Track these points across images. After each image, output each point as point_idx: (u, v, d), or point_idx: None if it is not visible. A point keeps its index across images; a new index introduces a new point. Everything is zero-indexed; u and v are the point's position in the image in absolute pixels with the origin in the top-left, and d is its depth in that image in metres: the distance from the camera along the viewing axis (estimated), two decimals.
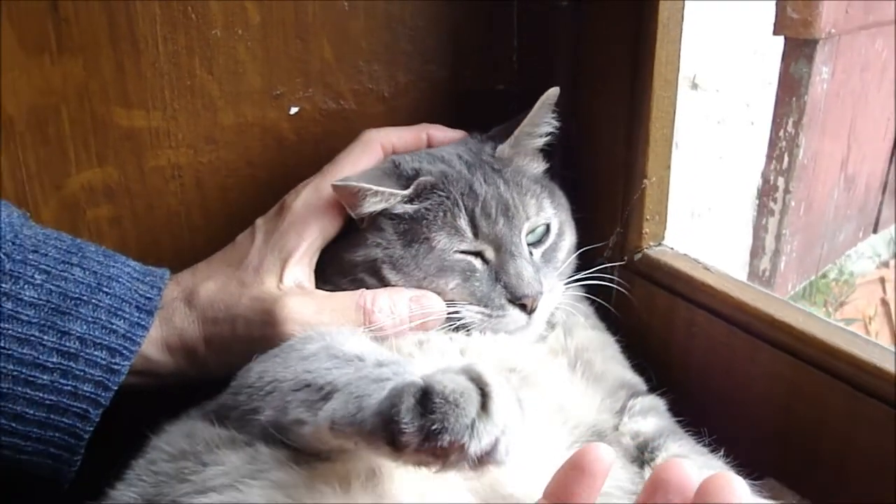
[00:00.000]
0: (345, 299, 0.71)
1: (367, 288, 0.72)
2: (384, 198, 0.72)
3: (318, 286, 0.75)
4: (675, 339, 0.80)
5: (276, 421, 0.54)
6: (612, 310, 0.82)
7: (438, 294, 0.72)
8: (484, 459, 0.43)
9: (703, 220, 1.22)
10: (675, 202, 0.86)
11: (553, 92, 0.77)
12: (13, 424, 0.65)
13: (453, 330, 0.71)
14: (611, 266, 0.83)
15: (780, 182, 1.51)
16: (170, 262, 0.82)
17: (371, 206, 0.72)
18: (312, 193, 0.75)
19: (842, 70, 1.55)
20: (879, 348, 0.64)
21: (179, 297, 0.73)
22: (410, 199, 0.73)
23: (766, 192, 1.52)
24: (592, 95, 0.85)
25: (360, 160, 0.76)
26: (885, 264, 2.48)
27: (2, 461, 0.67)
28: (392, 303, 0.71)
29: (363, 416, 0.45)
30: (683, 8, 0.77)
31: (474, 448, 0.42)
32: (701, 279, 0.77)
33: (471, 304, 0.71)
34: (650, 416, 0.69)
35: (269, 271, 0.73)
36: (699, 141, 1.17)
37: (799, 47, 1.43)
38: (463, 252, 0.72)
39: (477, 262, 0.73)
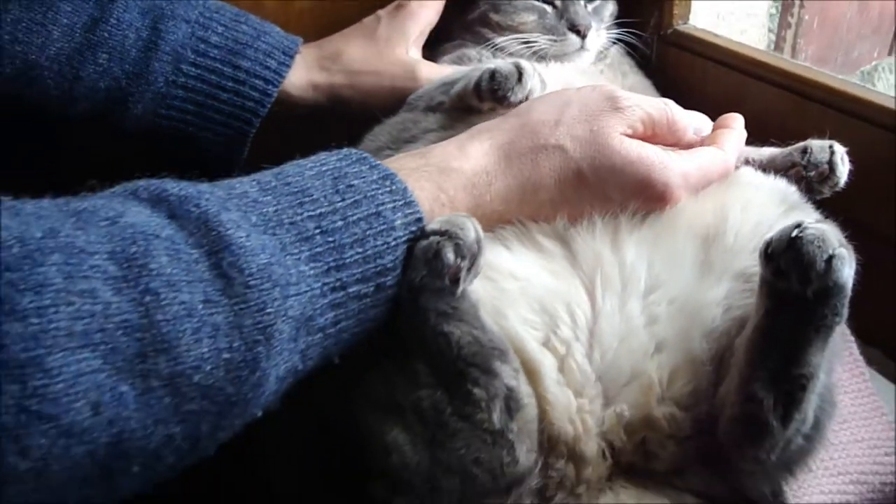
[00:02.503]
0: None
1: (480, 36, 1.07)
2: None
3: (443, 44, 1.11)
4: (695, 85, 1.14)
5: (427, 106, 0.92)
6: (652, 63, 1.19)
7: (520, 26, 1.05)
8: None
9: (727, 21, 1.55)
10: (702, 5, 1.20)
11: None
12: (208, 123, 0.98)
13: (531, 55, 1.03)
14: (651, 38, 1.19)
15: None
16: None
17: None
18: None
19: None
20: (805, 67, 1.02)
21: (327, 56, 1.04)
22: None
23: (785, 9, 1.84)
24: None
25: None
26: None
27: (201, 148, 1.00)
28: None
29: (469, 84, 0.84)
30: None
31: (512, 98, 0.82)
32: (712, 41, 1.12)
33: (542, 34, 1.04)
34: None
35: (398, 44, 1.05)
36: None
37: None
38: None
39: (548, 8, 1.06)
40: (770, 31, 1.79)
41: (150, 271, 0.50)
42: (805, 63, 1.08)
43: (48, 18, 0.87)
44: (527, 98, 0.83)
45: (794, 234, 0.59)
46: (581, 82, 0.98)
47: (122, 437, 0.47)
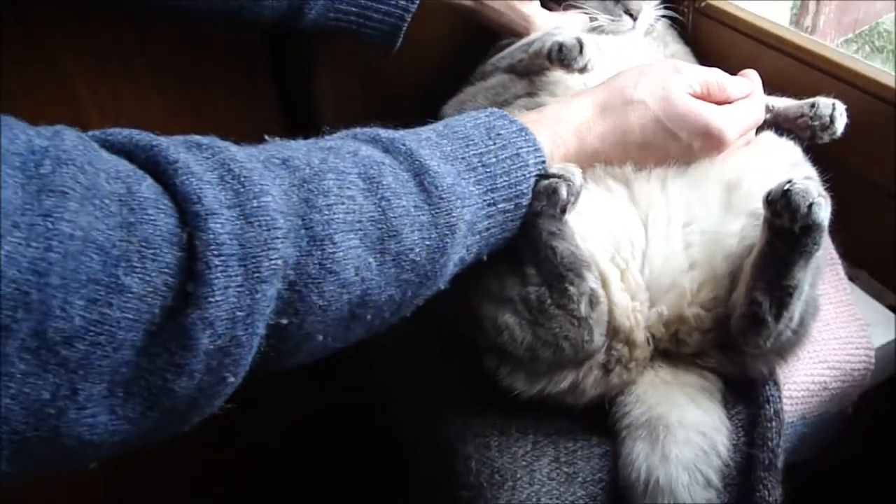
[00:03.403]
0: (567, 18, 1.27)
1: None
2: None
3: None
4: (723, 54, 1.35)
5: (509, 64, 1.16)
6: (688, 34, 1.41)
7: (586, 7, 1.26)
8: (582, 70, 1.03)
9: None
10: None
11: None
12: (368, 21, 1.14)
13: (591, 29, 1.21)
14: (687, 11, 1.41)
15: None
16: None
17: None
18: None
19: None
20: (814, 42, 1.24)
21: None
22: None
23: None
24: None
25: None
26: None
27: (363, 41, 1.17)
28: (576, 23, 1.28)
29: (542, 49, 1.07)
30: None
31: (575, 66, 1.02)
32: (736, 14, 1.33)
33: (603, 14, 1.24)
34: None
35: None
36: None
37: None
38: None
39: None
40: None
41: (383, 186, 0.72)
42: (822, 30, 1.29)
43: None
44: (586, 65, 1.06)
45: (786, 187, 0.83)
46: (631, 51, 1.23)
47: (366, 293, 0.69)
